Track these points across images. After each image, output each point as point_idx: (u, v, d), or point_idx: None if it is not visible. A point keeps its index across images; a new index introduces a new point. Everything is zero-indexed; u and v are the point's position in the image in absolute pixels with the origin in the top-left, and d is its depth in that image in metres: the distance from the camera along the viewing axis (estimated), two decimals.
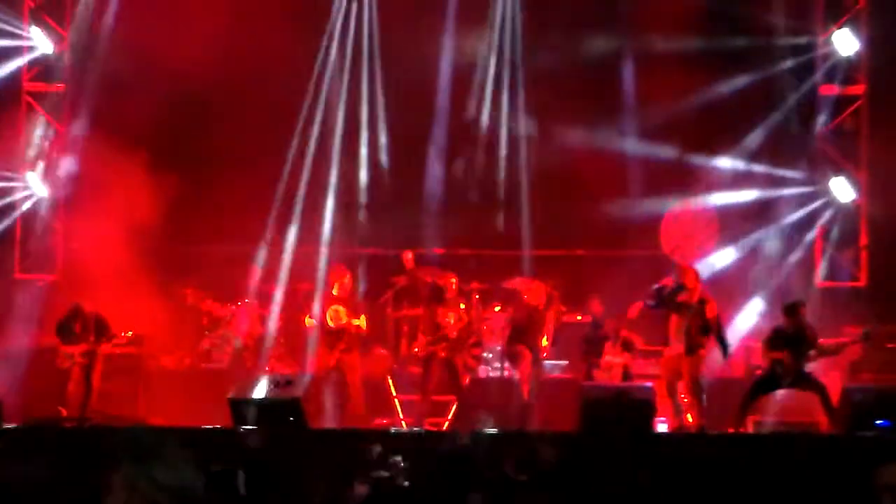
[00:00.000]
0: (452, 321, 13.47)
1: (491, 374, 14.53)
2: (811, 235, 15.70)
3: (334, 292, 13.89)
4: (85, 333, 13.29)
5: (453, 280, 13.79)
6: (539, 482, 7.55)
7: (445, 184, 16.34)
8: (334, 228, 16.32)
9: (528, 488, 7.24)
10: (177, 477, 3.35)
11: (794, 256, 15.62)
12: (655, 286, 13.05)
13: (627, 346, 14.07)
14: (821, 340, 12.68)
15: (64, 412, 13.13)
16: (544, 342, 13.54)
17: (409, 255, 15.28)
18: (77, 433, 11.92)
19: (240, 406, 11.91)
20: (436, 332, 13.45)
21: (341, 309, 13.74)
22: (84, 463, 7.82)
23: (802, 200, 15.74)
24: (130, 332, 13.76)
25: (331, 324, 13.71)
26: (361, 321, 13.80)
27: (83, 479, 6.12)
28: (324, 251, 15.96)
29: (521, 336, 13.41)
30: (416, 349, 13.86)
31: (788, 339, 12.45)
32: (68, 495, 6.08)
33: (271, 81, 15.98)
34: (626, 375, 13.97)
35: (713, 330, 12.69)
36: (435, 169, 16.36)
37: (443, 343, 13.42)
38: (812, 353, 12.46)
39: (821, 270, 15.59)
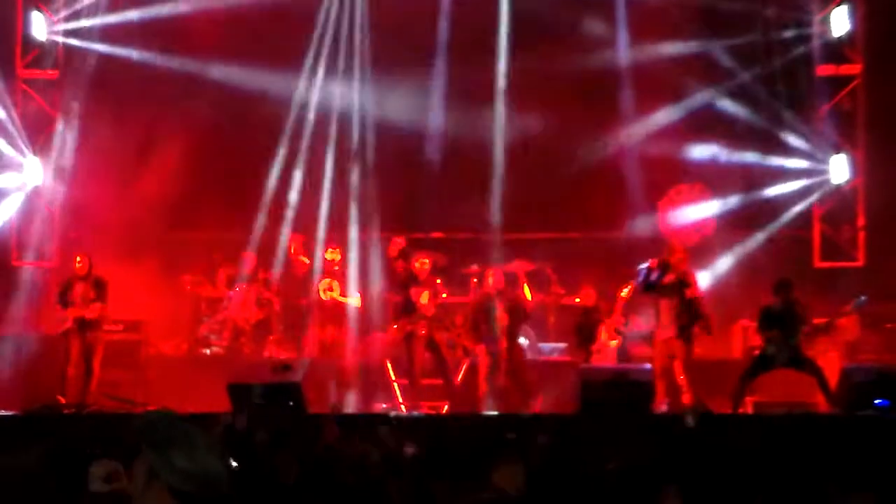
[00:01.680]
0: (427, 300, 13.50)
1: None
2: (809, 216, 15.70)
3: (335, 268, 13.89)
4: (84, 298, 13.26)
5: (426, 260, 13.78)
6: (535, 464, 7.55)
7: (442, 167, 16.31)
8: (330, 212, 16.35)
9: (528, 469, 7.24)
10: (196, 462, 3.34)
11: (792, 237, 15.65)
12: (641, 266, 13.01)
13: (619, 330, 14.06)
14: (814, 319, 12.69)
15: (63, 400, 13.12)
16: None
17: (398, 241, 15.26)
18: (77, 420, 11.92)
19: (239, 391, 11.91)
20: (412, 312, 13.48)
21: (335, 283, 13.77)
22: (84, 450, 7.82)
23: (800, 181, 15.75)
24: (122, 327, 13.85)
25: (323, 297, 13.75)
26: (356, 299, 13.77)
27: (83, 467, 6.13)
28: (320, 234, 15.98)
29: (478, 322, 13.54)
30: (395, 327, 13.84)
31: (778, 319, 12.44)
32: (67, 483, 6.08)
33: (265, 65, 15.94)
34: (622, 357, 13.97)
35: (694, 311, 12.66)
36: (431, 152, 16.33)
37: (421, 321, 13.44)
38: (805, 330, 12.46)
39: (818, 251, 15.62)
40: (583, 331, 14.19)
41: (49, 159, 16.10)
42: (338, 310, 13.90)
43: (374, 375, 14.51)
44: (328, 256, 14.09)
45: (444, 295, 13.88)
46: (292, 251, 15.08)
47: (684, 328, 12.71)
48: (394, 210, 16.24)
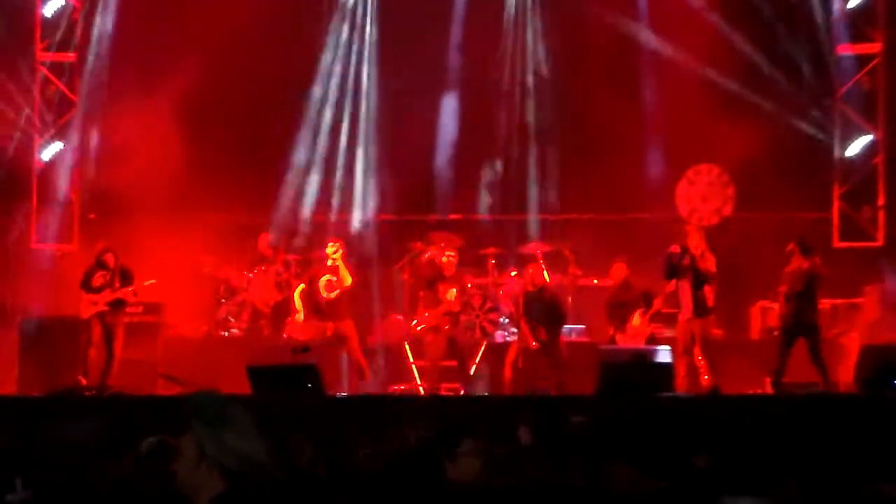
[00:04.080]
0: (454, 297, 13.48)
1: (508, 339, 14.54)
2: (829, 196, 15.64)
3: (328, 262, 13.75)
4: (110, 282, 13.28)
5: (451, 254, 13.74)
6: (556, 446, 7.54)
7: (461, 147, 16.30)
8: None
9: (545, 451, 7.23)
10: (245, 442, 3.38)
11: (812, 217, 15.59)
12: (665, 257, 13.00)
13: (654, 318, 13.89)
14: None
15: (84, 382, 13.17)
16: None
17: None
18: (97, 402, 11.97)
19: (257, 373, 11.91)
20: (438, 308, 13.47)
21: (333, 278, 13.63)
22: (111, 433, 7.88)
23: (820, 160, 15.69)
24: (153, 280, 13.74)
25: (324, 294, 13.64)
26: (347, 279, 13.59)
27: (110, 449, 6.18)
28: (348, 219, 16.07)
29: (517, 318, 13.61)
30: (418, 324, 13.84)
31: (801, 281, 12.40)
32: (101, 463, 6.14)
33: (285, 50, 15.96)
34: (652, 342, 13.83)
35: (708, 281, 12.66)
36: (448, 132, 16.32)
37: (447, 318, 13.44)
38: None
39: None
40: (613, 311, 13.83)
41: (67, 142, 16.15)
42: (338, 304, 13.69)
43: (391, 357, 14.53)
44: (329, 251, 13.77)
45: (469, 285, 13.78)
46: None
47: (705, 309, 12.70)
48: (408, 192, 16.27)
